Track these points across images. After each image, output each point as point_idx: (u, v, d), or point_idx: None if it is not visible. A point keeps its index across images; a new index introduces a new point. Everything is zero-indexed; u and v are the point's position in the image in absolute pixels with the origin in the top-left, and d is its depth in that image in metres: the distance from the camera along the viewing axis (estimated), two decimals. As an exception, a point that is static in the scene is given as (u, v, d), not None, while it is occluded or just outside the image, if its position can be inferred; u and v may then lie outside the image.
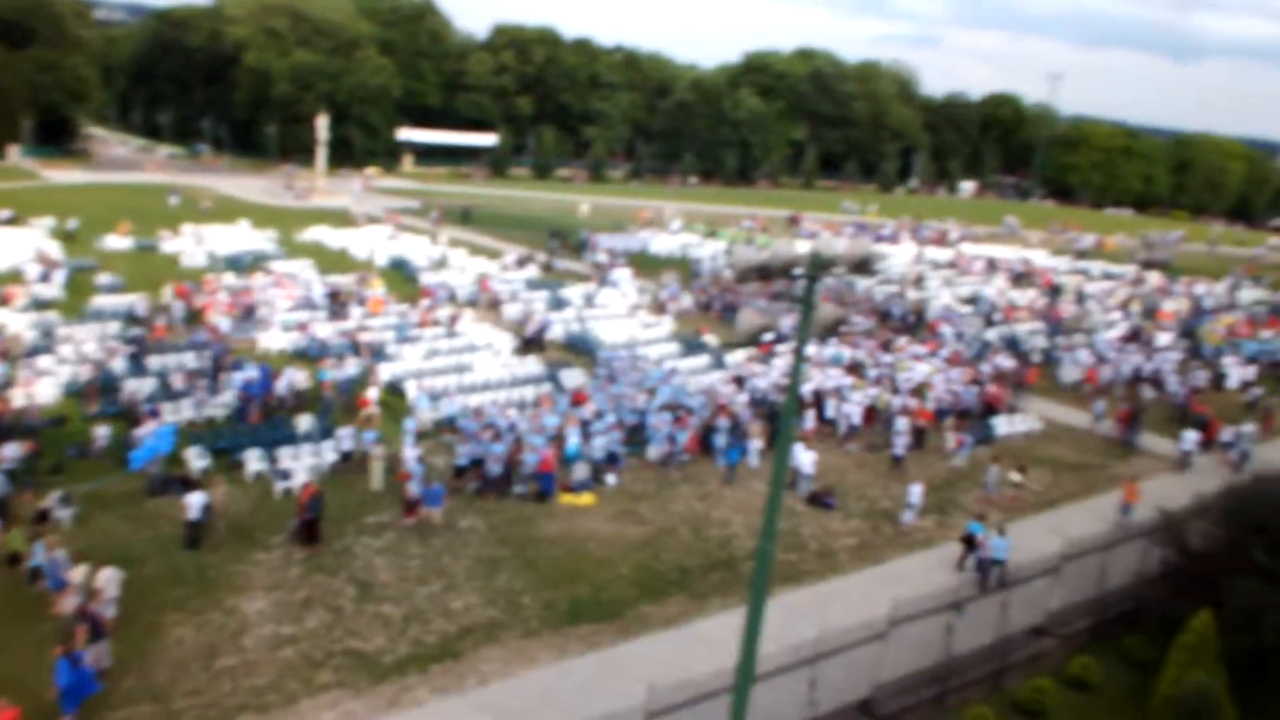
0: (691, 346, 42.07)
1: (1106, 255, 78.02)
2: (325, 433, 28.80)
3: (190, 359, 33.84)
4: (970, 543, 24.88)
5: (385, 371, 34.51)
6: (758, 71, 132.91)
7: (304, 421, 29.62)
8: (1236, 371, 43.78)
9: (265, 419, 30.34)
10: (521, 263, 54.19)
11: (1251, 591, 20.49)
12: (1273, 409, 38.88)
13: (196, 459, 26.26)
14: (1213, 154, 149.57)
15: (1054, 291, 59.01)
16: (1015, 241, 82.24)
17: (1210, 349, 47.98)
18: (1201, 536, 23.23)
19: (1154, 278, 66.02)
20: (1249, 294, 64.36)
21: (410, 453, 27.06)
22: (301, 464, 26.92)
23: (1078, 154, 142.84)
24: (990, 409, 36.84)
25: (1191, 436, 34.53)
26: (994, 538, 24.27)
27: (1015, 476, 30.09)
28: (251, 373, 31.68)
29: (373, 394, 31.59)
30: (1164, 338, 48.84)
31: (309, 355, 36.37)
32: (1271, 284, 69.69)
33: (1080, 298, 57.90)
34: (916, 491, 27.78)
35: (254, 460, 26.92)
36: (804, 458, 28.88)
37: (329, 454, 27.84)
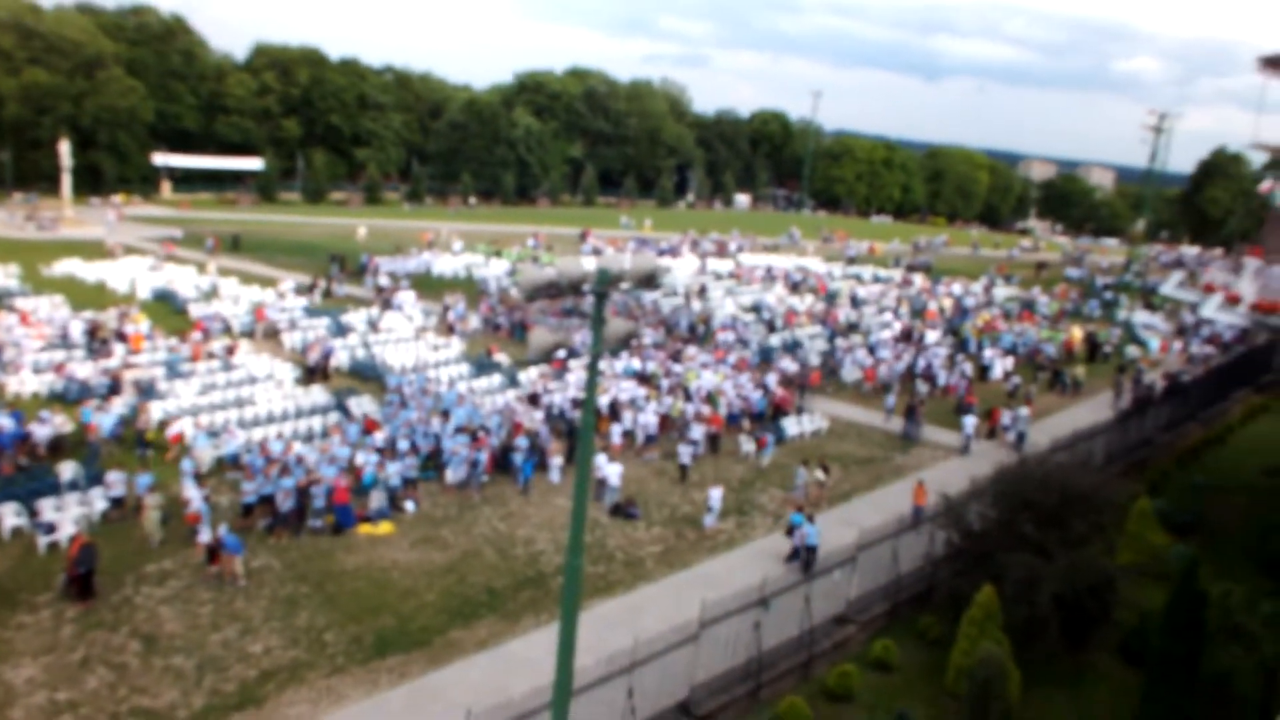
0: (483, 366, 41.54)
1: (875, 260, 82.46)
2: (93, 479, 26.61)
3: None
4: (792, 533, 26.13)
5: (157, 409, 32.27)
6: (532, 91, 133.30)
7: (68, 469, 27.26)
8: (998, 363, 47.11)
9: (20, 469, 27.74)
10: (311, 288, 52.17)
11: (1025, 564, 22.02)
12: (1031, 395, 42.00)
13: (-61, 519, 23.74)
14: (962, 164, 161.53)
15: (830, 297, 61.81)
16: (791, 250, 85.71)
17: (973, 343, 51.47)
18: (979, 517, 24.77)
19: (919, 279, 70.34)
20: (1003, 291, 69.59)
21: (194, 494, 25.40)
22: (67, 514, 24.73)
23: (842, 166, 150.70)
24: (779, 411, 38.13)
25: (970, 422, 36.92)
26: (807, 526, 25.54)
27: (820, 475, 31.18)
28: (1, 420, 28.89)
29: (182, 427, 29.59)
30: (932, 335, 52.01)
31: (68, 397, 33.59)
32: (1020, 282, 75.58)
33: (854, 301, 60.91)
34: (716, 495, 28.36)
35: (10, 515, 24.53)
36: (610, 470, 29.02)
37: (99, 501, 25.72)
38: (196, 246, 64.50)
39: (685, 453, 31.88)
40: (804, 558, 25.12)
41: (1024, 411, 38.41)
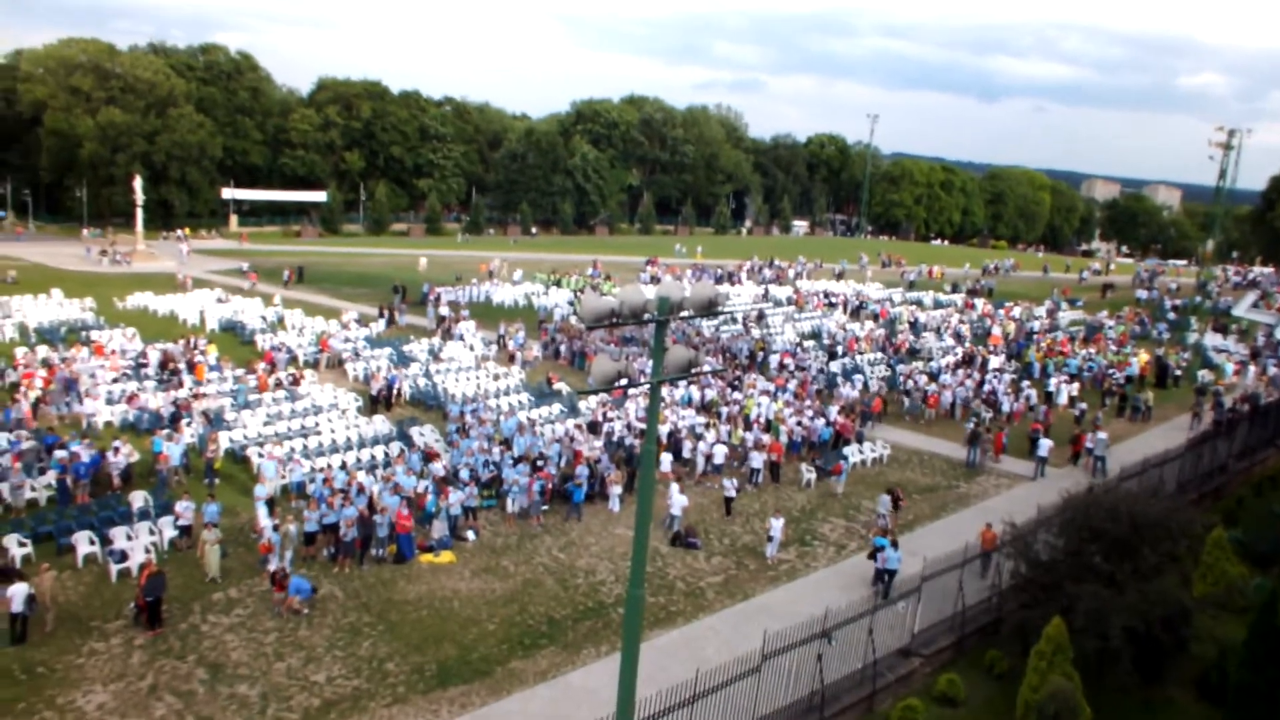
0: (544, 395, 41.73)
1: (935, 285, 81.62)
2: (162, 508, 27.15)
3: (2, 440, 31.33)
4: (875, 556, 26.20)
5: (224, 439, 32.87)
6: (589, 120, 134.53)
7: (138, 498, 27.85)
8: (1064, 388, 46.20)
9: (94, 498, 28.39)
10: (380, 316, 53.10)
11: (1094, 595, 21.45)
12: (1099, 421, 41.11)
13: (16, 547, 24.30)
14: (1023, 185, 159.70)
15: (890, 323, 61.25)
16: (852, 276, 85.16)
17: (1037, 368, 50.58)
18: (1046, 547, 24.23)
19: (981, 304, 69.41)
20: (1067, 315, 68.37)
21: (266, 522, 25.80)
22: (138, 543, 25.22)
23: (901, 190, 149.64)
24: (840, 439, 37.76)
25: (1046, 445, 36.46)
26: (889, 550, 25.59)
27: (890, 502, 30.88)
28: (75, 450, 29.59)
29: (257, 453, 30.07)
30: (995, 360, 51.23)
31: (139, 427, 34.39)
32: (1085, 305, 74.23)
33: (914, 327, 60.27)
34: (778, 525, 28.10)
35: (84, 543, 25.08)
36: (676, 499, 28.95)
37: (168, 530, 26.22)
38: (271, 279, 65.83)
39: (730, 486, 31.38)
40: (886, 582, 25.19)
41: (1102, 436, 37.67)
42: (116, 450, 29.93)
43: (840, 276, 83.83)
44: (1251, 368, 53.36)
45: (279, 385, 39.75)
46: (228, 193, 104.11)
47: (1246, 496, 34.67)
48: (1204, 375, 52.09)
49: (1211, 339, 61.38)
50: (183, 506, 26.44)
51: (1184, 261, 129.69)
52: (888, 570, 25.49)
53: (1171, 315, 69.70)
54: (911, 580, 23.26)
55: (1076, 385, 47.33)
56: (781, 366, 48.01)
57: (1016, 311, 66.90)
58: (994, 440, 38.21)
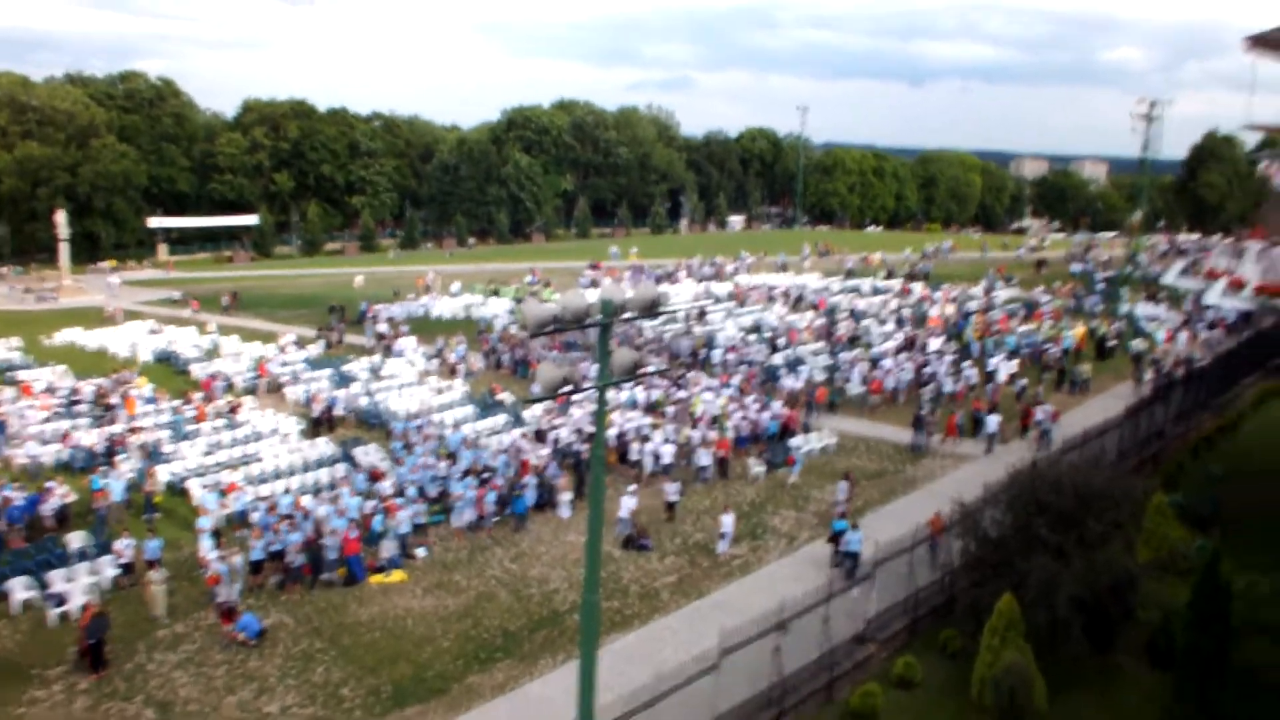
0: (488, 406, 41.44)
1: (872, 271, 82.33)
2: (102, 547, 26.52)
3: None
4: (836, 540, 26.71)
5: (164, 472, 32.20)
6: (520, 127, 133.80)
7: (76, 538, 27.17)
8: (1003, 366, 46.82)
9: (30, 542, 27.62)
10: (318, 338, 52.51)
11: (1043, 568, 21.70)
12: (1039, 396, 41.73)
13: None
14: (954, 168, 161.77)
15: (829, 312, 61.70)
16: (793, 268, 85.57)
17: (976, 347, 51.23)
18: (993, 524, 24.47)
19: (919, 287, 70.15)
20: (1003, 293, 69.33)
21: (210, 555, 25.29)
22: (78, 585, 24.62)
23: (834, 179, 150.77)
24: (787, 431, 37.92)
25: (994, 421, 37.22)
26: (850, 533, 26.10)
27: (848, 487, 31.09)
28: (7, 494, 28.77)
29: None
30: (935, 343, 51.80)
31: (75, 466, 33.58)
32: (1020, 283, 75.34)
33: (853, 314, 60.75)
34: (729, 521, 28.15)
35: (20, 589, 24.40)
36: (624, 503, 28.86)
37: (108, 570, 25.61)
38: (209, 306, 64.63)
39: (672, 490, 30.92)
40: (846, 565, 25.47)
41: (1048, 407, 38.52)
42: (50, 491, 29.19)
43: (784, 268, 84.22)
44: (1183, 333, 54.50)
45: (217, 414, 39.05)
46: (155, 221, 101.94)
47: (1184, 460, 35.32)
48: (1137, 344, 53.11)
49: (1143, 308, 62.62)
50: (123, 544, 25.85)
51: (1113, 233, 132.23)
52: (849, 553, 25.76)
53: (1102, 287, 71.02)
54: (864, 566, 23.41)
55: (1016, 362, 47.99)
56: (724, 363, 48.13)
57: (954, 293, 67.73)
58: (945, 422, 38.61)
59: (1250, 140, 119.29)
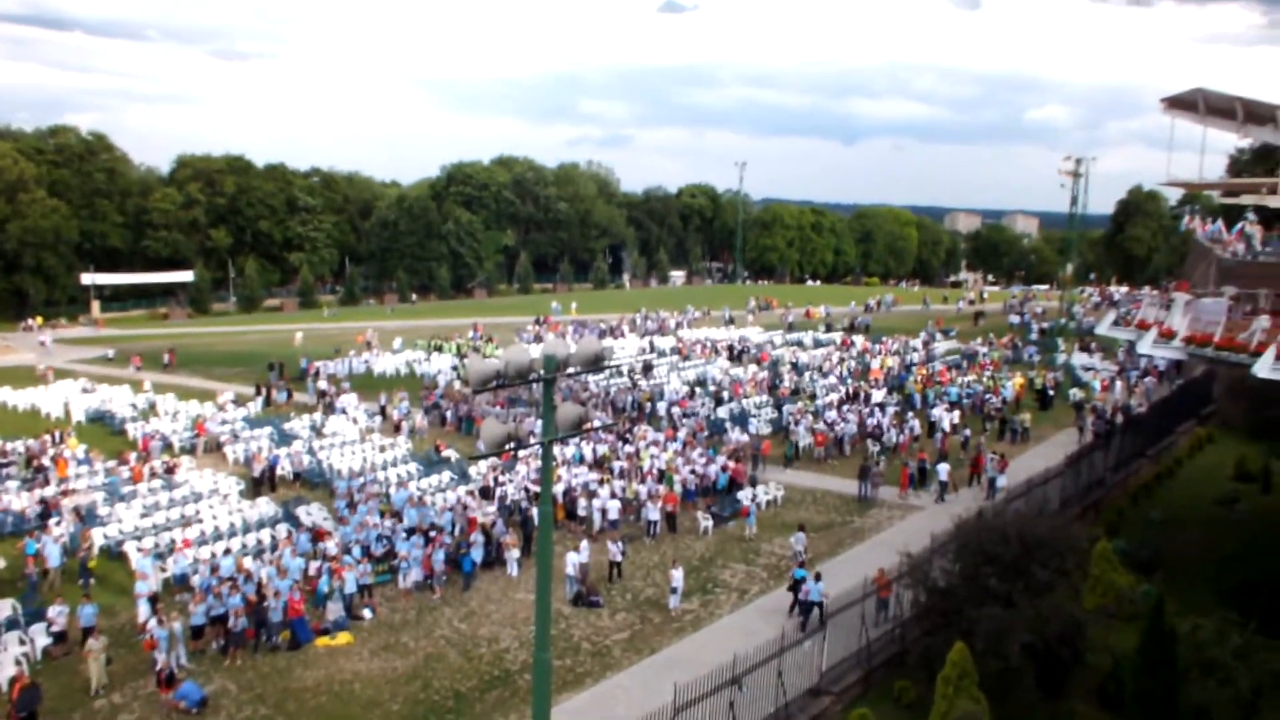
0: (432, 464, 40.94)
1: (813, 325, 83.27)
2: (33, 615, 25.55)
3: None
4: (796, 589, 26.73)
5: (99, 536, 31.24)
6: (460, 183, 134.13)
7: (5, 606, 26.13)
8: (945, 417, 47.42)
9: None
10: (258, 395, 51.70)
11: (993, 617, 21.85)
12: (982, 446, 42.29)
13: None
14: (890, 223, 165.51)
15: (772, 365, 62.18)
16: (738, 322, 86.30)
17: (919, 398, 51.88)
18: (942, 573, 24.63)
19: (860, 340, 71.05)
20: (942, 345, 70.46)
21: (151, 621, 24.48)
22: (8, 655, 23.63)
23: (773, 234, 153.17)
24: (733, 484, 37.94)
25: (944, 469, 37.84)
26: (810, 582, 26.15)
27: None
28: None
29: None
30: (878, 394, 52.36)
31: (2, 531, 32.44)
32: (959, 334, 76.69)
33: (796, 367, 61.26)
34: (679, 576, 27.96)
35: (-55, 662, 23.41)
36: (570, 558, 28.55)
37: (40, 638, 24.66)
38: (150, 365, 63.29)
39: (616, 550, 30.25)
40: (810, 614, 25.51)
41: (993, 456, 39.21)
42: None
43: (731, 322, 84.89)
44: (1118, 383, 55.76)
45: (154, 474, 38.07)
46: (87, 278, 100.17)
47: (1125, 507, 35.99)
48: (1075, 393, 54.20)
49: (1078, 358, 63.99)
50: (55, 611, 24.92)
51: (1046, 286, 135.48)
52: (812, 602, 25.75)
53: (1036, 338, 72.55)
54: (813, 621, 23.35)
55: (958, 413, 48.66)
56: (670, 416, 48.16)
57: (894, 345, 68.70)
58: (899, 474, 38.84)
59: (1172, 195, 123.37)
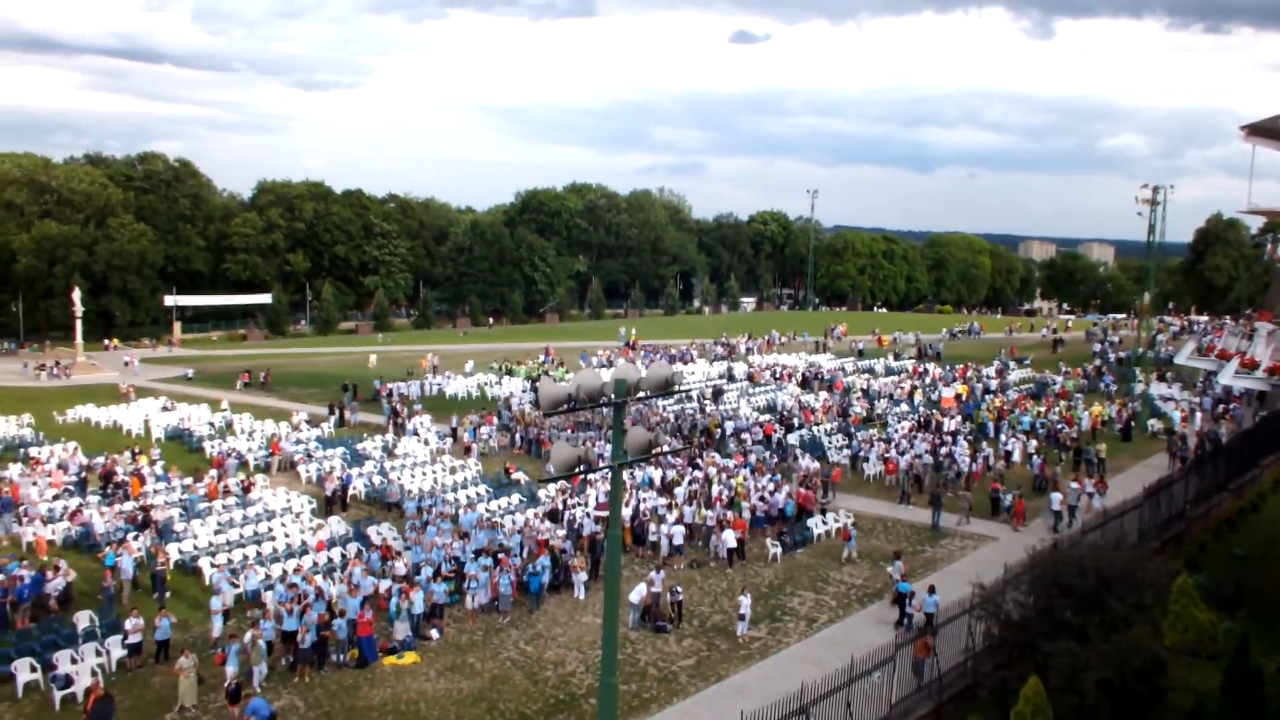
0: (501, 486, 41.20)
1: (883, 352, 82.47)
2: (110, 627, 26.14)
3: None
4: (901, 601, 27.54)
5: (174, 551, 31.94)
6: (534, 209, 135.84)
7: (83, 618, 26.79)
8: (1018, 447, 46.48)
9: (35, 621, 27.26)
10: (332, 414, 52.81)
11: (1067, 651, 21.27)
12: (1058, 476, 41.34)
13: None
14: (963, 251, 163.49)
15: (845, 392, 61.59)
16: (802, 348, 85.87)
17: (991, 427, 50.94)
18: (1016, 605, 24.06)
19: (932, 368, 70.10)
20: (1016, 374, 69.21)
21: (245, 636, 24.87)
22: (84, 666, 24.18)
23: (845, 261, 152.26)
24: (803, 511, 37.57)
25: (1057, 497, 37.36)
26: (925, 595, 26.82)
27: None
28: (16, 573, 28.44)
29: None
30: (950, 423, 51.54)
31: (83, 544, 33.33)
32: (1034, 362, 75.29)
33: (867, 394, 60.62)
34: (746, 602, 27.68)
35: (24, 670, 23.96)
36: (636, 589, 28.35)
37: (116, 650, 25.20)
38: (219, 384, 64.87)
39: (678, 591, 29.01)
40: (920, 623, 25.96)
41: (1074, 486, 38.66)
42: (56, 570, 28.89)
43: (825, 349, 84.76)
44: (1198, 414, 54.20)
45: (228, 492, 38.86)
46: (170, 300, 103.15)
47: (1206, 541, 34.83)
48: (1153, 424, 52.80)
49: (1156, 388, 62.39)
50: (131, 624, 25.46)
51: (1123, 315, 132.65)
52: (926, 615, 26.20)
53: (1120, 369, 70.95)
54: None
55: (1034, 442, 47.63)
56: (740, 441, 47.91)
57: (967, 373, 67.66)
58: (1015, 508, 38.01)
59: (1253, 223, 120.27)
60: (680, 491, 38.76)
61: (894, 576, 30.28)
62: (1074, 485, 38.42)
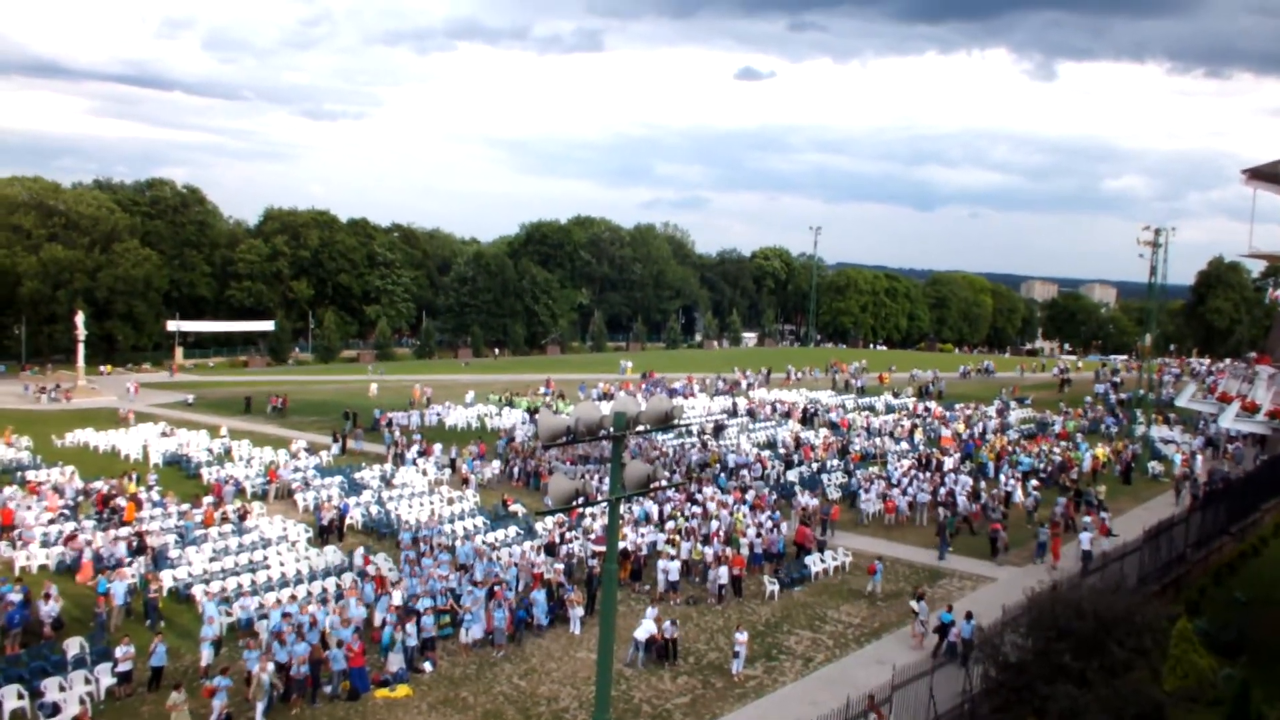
0: (499, 518, 41.03)
1: (883, 389, 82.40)
2: (101, 654, 25.93)
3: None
4: (944, 631, 27.95)
5: (168, 577, 31.76)
6: (537, 242, 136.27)
7: (73, 644, 26.58)
8: (1017, 486, 46.31)
9: (24, 648, 27.02)
10: (335, 441, 52.98)
11: (1066, 695, 21.06)
12: (1055, 516, 41.16)
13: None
14: (965, 289, 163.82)
15: (846, 429, 61.46)
16: (802, 384, 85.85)
17: (991, 467, 50.76)
18: (1014, 648, 23.86)
19: (933, 406, 70.01)
20: (1017, 414, 69.10)
21: (254, 669, 24.63)
22: (72, 694, 23.95)
23: (847, 298, 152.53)
24: (801, 549, 37.36)
25: (1087, 536, 37.03)
26: (963, 622, 27.36)
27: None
28: (9, 597, 28.25)
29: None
30: (950, 462, 51.38)
31: (78, 569, 33.14)
32: (1035, 402, 75.18)
33: (868, 432, 60.48)
34: (742, 639, 27.48)
35: (11, 697, 23.73)
36: (644, 625, 28.06)
37: (105, 678, 24.99)
38: (219, 410, 64.81)
39: (670, 629, 28.42)
40: (959, 652, 26.08)
41: (1088, 519, 39.08)
42: (48, 596, 28.69)
43: (846, 386, 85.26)
44: (1199, 457, 54.05)
45: (225, 519, 38.70)
46: (173, 325, 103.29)
47: (1207, 585, 34.58)
48: (1154, 466, 52.64)
49: (1157, 430, 62.27)
50: (122, 651, 25.25)
51: (1124, 356, 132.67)
52: (965, 640, 26.68)
53: (1113, 408, 70.87)
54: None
55: (1035, 482, 47.45)
56: (738, 477, 47.73)
57: (967, 412, 67.55)
58: (1052, 545, 37.88)
59: (1254, 267, 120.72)
60: (672, 525, 38.53)
61: (920, 615, 29.92)
62: (1087, 519, 38.39)
